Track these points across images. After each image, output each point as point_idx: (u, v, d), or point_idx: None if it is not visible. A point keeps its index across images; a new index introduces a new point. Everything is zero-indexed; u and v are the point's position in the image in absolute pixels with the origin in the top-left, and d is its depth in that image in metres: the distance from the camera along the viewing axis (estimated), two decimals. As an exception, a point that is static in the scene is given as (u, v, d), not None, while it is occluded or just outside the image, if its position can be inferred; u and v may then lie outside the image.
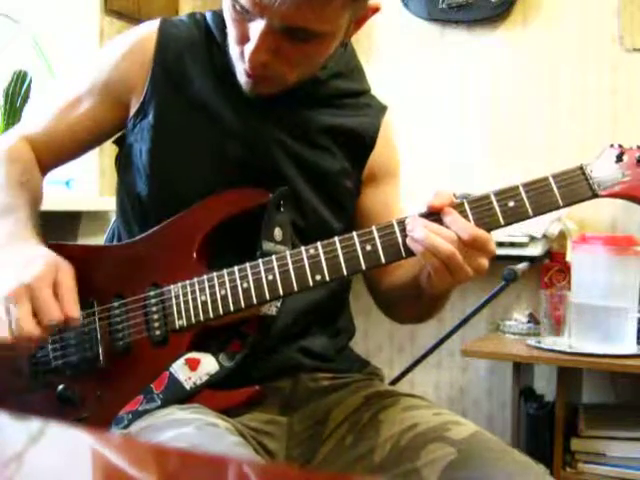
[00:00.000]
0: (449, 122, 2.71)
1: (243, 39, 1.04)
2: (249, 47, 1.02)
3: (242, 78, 1.09)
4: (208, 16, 1.19)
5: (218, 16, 1.17)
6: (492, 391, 2.66)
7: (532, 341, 2.20)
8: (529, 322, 2.42)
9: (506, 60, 2.64)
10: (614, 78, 2.50)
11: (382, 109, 1.26)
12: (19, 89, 2.08)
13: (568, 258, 2.30)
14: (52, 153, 1.20)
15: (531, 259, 2.26)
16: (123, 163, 1.20)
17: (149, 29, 1.18)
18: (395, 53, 2.76)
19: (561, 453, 2.13)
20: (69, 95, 1.20)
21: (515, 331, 2.40)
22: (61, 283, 0.98)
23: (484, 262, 0.99)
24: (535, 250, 2.33)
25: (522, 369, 2.29)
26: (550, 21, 2.59)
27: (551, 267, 2.40)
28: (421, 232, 0.97)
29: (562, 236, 2.40)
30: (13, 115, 2.09)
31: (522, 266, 2.08)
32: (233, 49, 1.08)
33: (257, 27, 1.01)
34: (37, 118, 1.23)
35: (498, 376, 2.62)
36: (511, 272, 2.01)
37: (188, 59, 1.15)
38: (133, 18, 2.55)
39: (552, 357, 2.10)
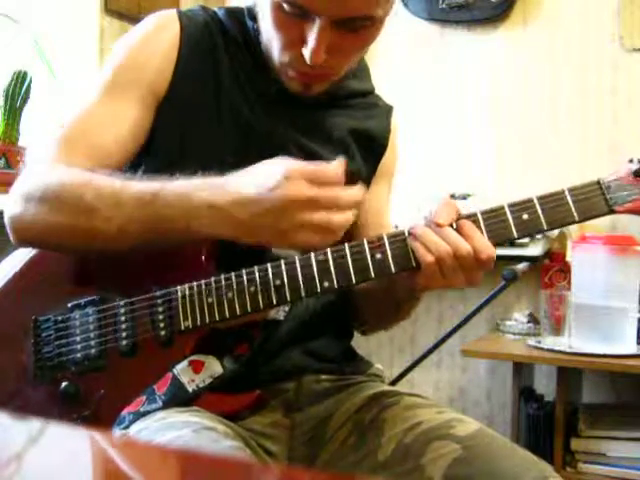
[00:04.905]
0: (449, 122, 2.71)
1: (296, 42, 1.02)
2: (310, 48, 1.00)
3: (292, 82, 1.08)
4: (220, 13, 1.16)
5: (233, 13, 1.16)
6: (492, 391, 2.66)
7: (532, 341, 2.20)
8: (529, 322, 2.42)
9: (506, 60, 2.64)
10: (614, 78, 2.50)
11: (389, 110, 1.26)
12: (19, 89, 2.08)
13: (568, 258, 2.30)
14: (108, 168, 1.07)
15: (531, 259, 2.26)
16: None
17: (169, 16, 1.13)
18: (395, 53, 2.76)
19: (561, 453, 2.13)
20: (101, 105, 1.10)
21: (515, 331, 2.41)
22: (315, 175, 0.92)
23: (480, 275, 0.98)
24: (535, 250, 2.33)
25: (522, 369, 2.30)
26: (550, 21, 2.59)
27: (551, 267, 2.40)
28: (422, 229, 0.97)
29: (562, 236, 2.40)
30: (13, 115, 2.09)
31: (522, 266, 2.08)
32: (280, 55, 1.05)
33: (315, 26, 0.99)
34: (71, 141, 1.09)
35: (498, 376, 2.62)
36: (511, 272, 2.01)
37: (208, 55, 1.13)
38: (133, 18, 2.55)
39: (552, 357, 2.10)
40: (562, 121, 2.57)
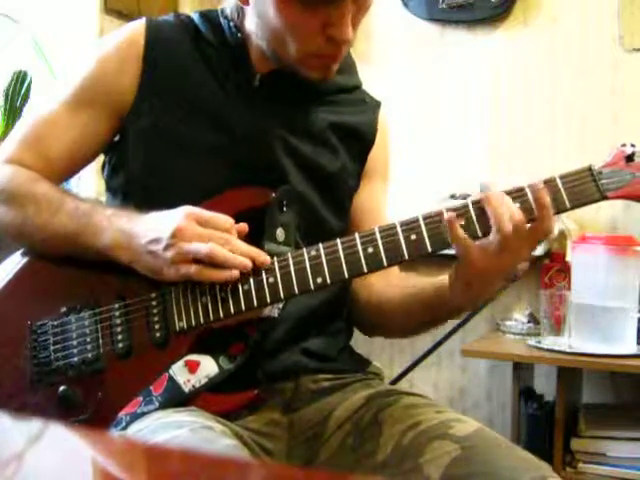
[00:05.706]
0: (449, 122, 2.70)
1: (318, 30, 1.03)
2: (342, 28, 1.02)
3: (313, 72, 1.10)
4: (195, 17, 1.18)
5: (206, 16, 1.17)
6: (492, 391, 2.65)
7: (532, 341, 2.20)
8: (529, 322, 2.42)
9: (506, 60, 2.64)
10: (614, 78, 2.49)
11: (377, 105, 1.26)
12: (19, 89, 2.08)
13: (568, 258, 2.30)
14: (53, 176, 1.15)
15: (531, 259, 2.25)
16: (113, 167, 1.19)
17: (136, 28, 1.16)
18: (395, 53, 2.76)
19: (561, 453, 2.13)
20: (60, 113, 1.15)
21: (515, 331, 2.40)
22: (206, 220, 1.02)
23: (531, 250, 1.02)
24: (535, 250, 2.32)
25: (522, 369, 2.29)
26: (550, 21, 2.59)
27: (551, 267, 2.40)
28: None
29: (562, 236, 2.40)
30: (13, 115, 2.09)
31: (522, 266, 2.07)
32: (302, 47, 1.06)
33: (340, 8, 1.01)
34: (25, 142, 1.16)
35: (498, 376, 2.62)
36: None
37: (180, 59, 1.14)
38: (133, 18, 2.54)
39: (552, 357, 2.10)
40: (562, 121, 2.56)
